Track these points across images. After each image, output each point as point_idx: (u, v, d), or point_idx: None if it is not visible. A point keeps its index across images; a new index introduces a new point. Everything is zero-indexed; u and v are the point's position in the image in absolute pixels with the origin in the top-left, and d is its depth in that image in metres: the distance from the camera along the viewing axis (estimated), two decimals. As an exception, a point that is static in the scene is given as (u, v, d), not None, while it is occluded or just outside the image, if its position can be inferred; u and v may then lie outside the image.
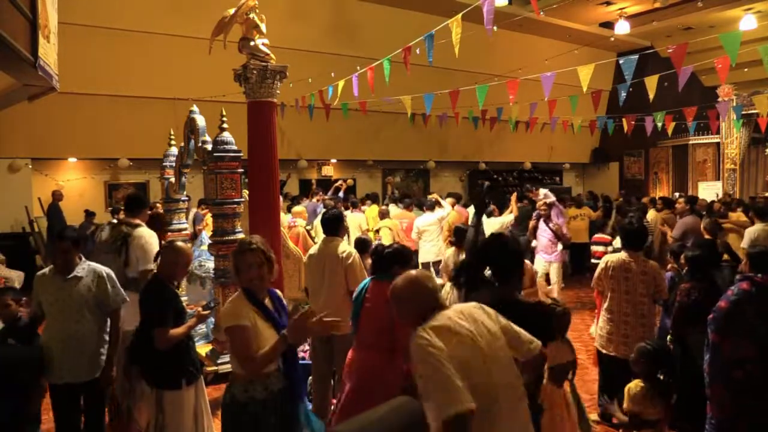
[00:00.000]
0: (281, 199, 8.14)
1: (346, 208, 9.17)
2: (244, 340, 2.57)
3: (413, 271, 2.37)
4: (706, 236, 6.10)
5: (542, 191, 7.67)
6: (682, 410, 3.52)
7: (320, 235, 5.22)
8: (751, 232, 6.44)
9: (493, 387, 2.07)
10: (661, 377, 3.29)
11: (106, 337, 3.50)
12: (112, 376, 3.53)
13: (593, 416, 4.44)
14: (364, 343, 3.45)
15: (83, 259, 3.47)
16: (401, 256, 3.59)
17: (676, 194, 11.99)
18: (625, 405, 3.33)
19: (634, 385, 3.33)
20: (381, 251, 3.73)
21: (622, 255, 4.30)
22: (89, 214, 10.01)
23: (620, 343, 4.18)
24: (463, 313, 2.19)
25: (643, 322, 4.14)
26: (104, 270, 3.49)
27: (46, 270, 3.49)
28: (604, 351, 4.30)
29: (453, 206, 8.82)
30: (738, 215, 8.14)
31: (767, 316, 3.10)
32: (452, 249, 5.68)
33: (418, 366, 2.03)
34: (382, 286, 3.48)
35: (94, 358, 3.42)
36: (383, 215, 8.54)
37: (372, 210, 9.71)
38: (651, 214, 8.57)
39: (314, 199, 10.10)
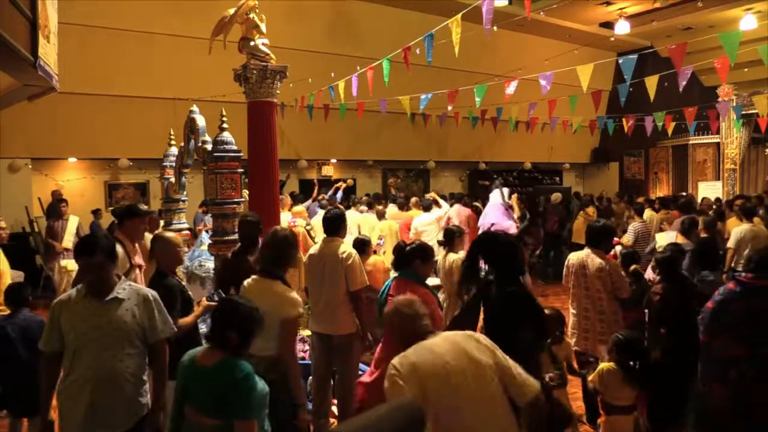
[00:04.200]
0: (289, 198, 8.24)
1: (347, 208, 9.17)
2: (297, 330, 2.93)
3: (401, 297, 2.37)
4: (704, 234, 6.12)
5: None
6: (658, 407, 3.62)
7: (320, 235, 5.22)
8: (737, 232, 6.45)
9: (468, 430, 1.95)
10: (634, 365, 3.37)
11: (145, 378, 2.84)
12: (160, 424, 2.84)
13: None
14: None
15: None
16: (422, 251, 3.70)
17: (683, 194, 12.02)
18: (591, 379, 3.42)
19: (607, 366, 3.40)
20: (402, 248, 3.88)
21: (583, 253, 4.41)
22: (95, 213, 9.98)
23: (581, 338, 4.34)
24: (445, 343, 2.09)
25: (602, 318, 4.24)
26: (149, 292, 2.85)
27: (70, 292, 2.77)
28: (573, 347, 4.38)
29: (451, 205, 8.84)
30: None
31: (754, 316, 3.10)
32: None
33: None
34: (404, 283, 3.63)
35: (132, 404, 2.73)
36: (380, 216, 8.52)
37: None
38: (647, 214, 8.57)
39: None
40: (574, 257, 4.46)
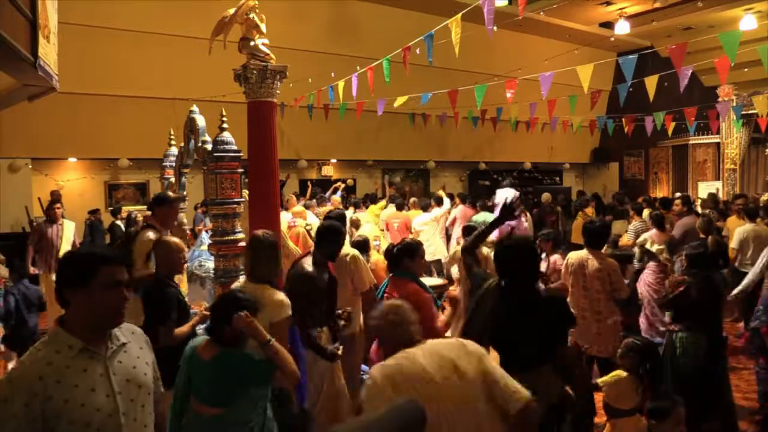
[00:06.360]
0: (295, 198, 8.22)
1: (346, 208, 9.18)
2: (286, 333, 2.88)
3: (388, 302, 2.29)
4: (701, 235, 6.15)
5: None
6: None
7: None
8: (740, 232, 6.49)
9: None
10: (645, 370, 3.39)
11: None
12: None
13: None
14: None
15: None
16: (408, 249, 3.79)
17: (677, 194, 12.01)
18: (600, 381, 3.43)
19: (619, 375, 3.40)
20: (391, 249, 3.96)
21: (582, 252, 4.43)
22: (93, 213, 9.97)
23: (577, 336, 4.30)
24: (429, 353, 2.01)
25: (599, 318, 4.25)
26: (141, 331, 2.04)
27: (43, 354, 1.70)
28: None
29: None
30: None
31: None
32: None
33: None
34: (396, 282, 3.73)
35: None
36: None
37: (373, 209, 9.72)
38: (647, 213, 8.58)
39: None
40: (573, 256, 4.47)
